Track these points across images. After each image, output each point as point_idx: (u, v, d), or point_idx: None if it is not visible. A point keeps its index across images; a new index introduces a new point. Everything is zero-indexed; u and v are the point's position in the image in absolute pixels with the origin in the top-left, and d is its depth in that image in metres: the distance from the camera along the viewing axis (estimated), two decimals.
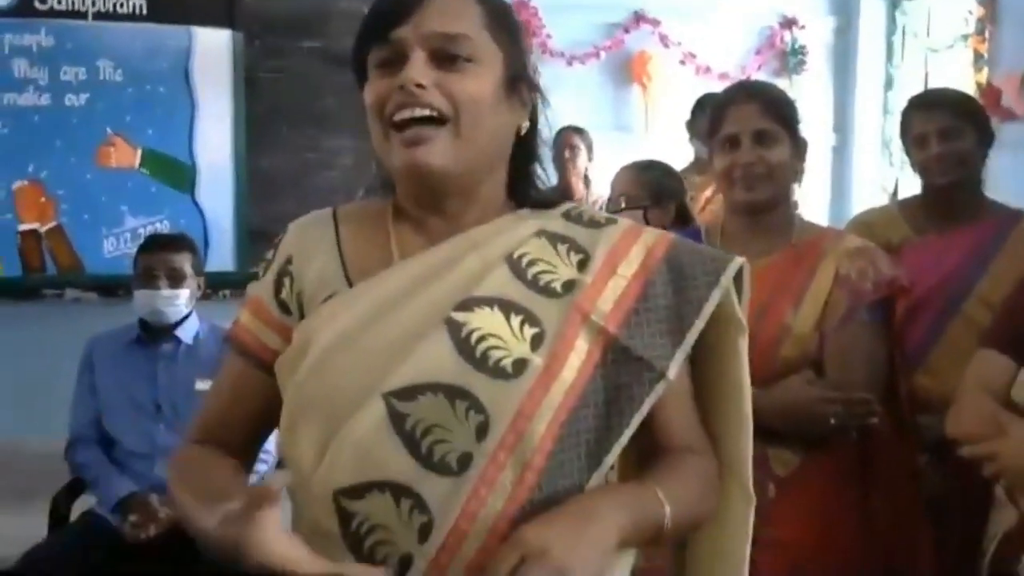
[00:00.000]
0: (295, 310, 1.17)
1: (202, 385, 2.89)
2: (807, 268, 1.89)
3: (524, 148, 1.19)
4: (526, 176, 1.21)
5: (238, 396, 1.21)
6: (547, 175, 1.24)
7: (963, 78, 4.68)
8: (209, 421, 1.23)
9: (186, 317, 2.95)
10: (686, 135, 4.01)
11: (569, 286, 1.11)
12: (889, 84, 5.29)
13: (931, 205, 2.41)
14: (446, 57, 1.08)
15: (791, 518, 1.80)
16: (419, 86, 1.06)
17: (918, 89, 5.08)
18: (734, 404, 1.21)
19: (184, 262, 2.95)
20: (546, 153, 1.24)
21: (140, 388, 2.90)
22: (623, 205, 2.63)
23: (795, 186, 2.00)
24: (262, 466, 2.76)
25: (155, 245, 3.01)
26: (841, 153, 5.37)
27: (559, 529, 0.98)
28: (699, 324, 1.13)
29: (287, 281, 1.18)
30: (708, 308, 1.14)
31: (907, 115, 2.44)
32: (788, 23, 5.34)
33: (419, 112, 1.06)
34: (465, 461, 1.03)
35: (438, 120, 1.07)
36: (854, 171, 5.37)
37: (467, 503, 1.02)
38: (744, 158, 1.89)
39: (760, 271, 1.85)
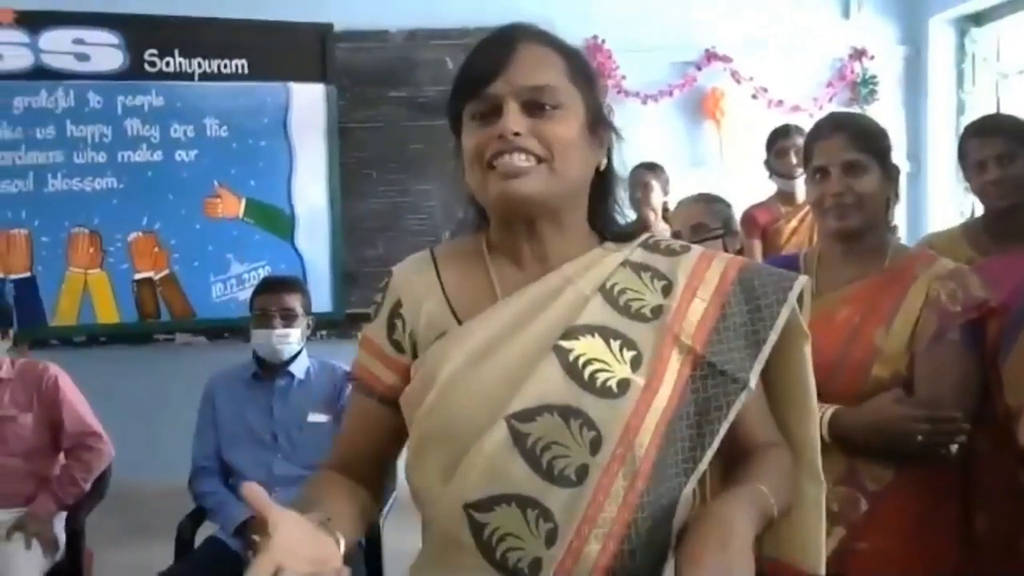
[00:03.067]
0: (408, 348, 1.28)
1: (314, 417, 3.10)
2: (899, 290, 1.94)
3: (603, 183, 1.31)
4: (605, 209, 1.32)
5: (361, 428, 1.33)
6: (622, 209, 1.34)
7: None
8: (339, 450, 1.35)
9: (298, 354, 3.16)
10: (762, 168, 4.11)
11: (657, 311, 1.22)
12: (961, 110, 5.29)
13: (991, 227, 2.47)
14: (536, 106, 1.20)
15: (885, 532, 1.86)
16: (516, 134, 1.18)
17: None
18: (802, 400, 1.33)
19: (295, 302, 3.15)
20: (622, 189, 1.36)
21: (257, 421, 3.10)
22: (699, 235, 2.75)
23: (890, 212, 2.06)
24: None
25: (269, 287, 3.22)
26: (916, 180, 5.36)
27: (710, 553, 1.05)
28: (773, 337, 1.24)
29: (399, 323, 1.28)
30: (780, 323, 1.25)
31: (964, 142, 2.52)
32: (858, 54, 5.38)
33: (517, 157, 1.18)
34: (582, 473, 1.14)
35: (535, 158, 1.19)
36: (929, 197, 5.38)
37: (587, 510, 1.13)
38: (834, 188, 1.95)
39: (853, 294, 1.96)
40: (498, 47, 1.23)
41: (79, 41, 4.46)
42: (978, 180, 2.45)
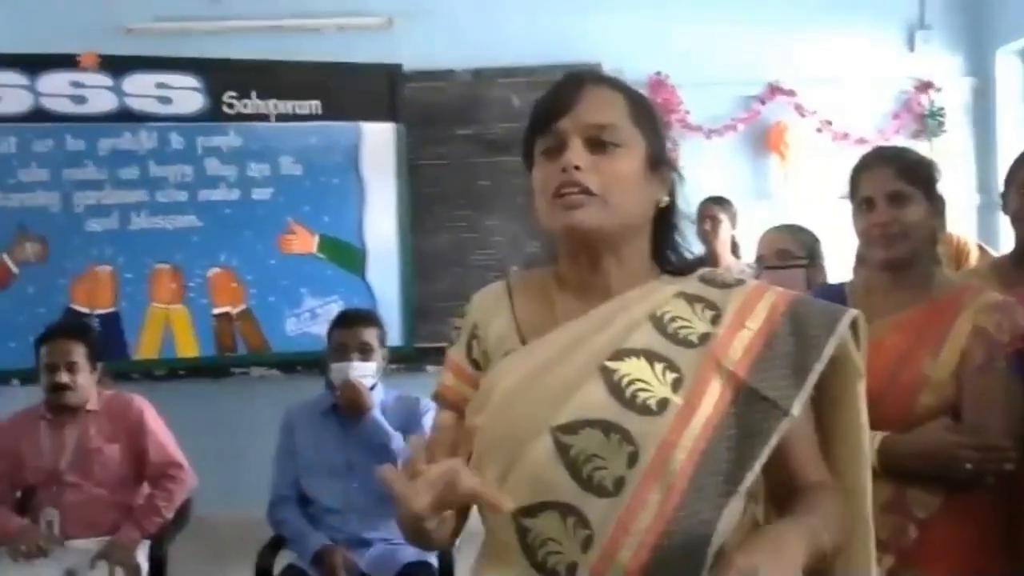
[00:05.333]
0: (483, 365, 1.38)
1: (395, 445, 3.16)
2: (946, 320, 1.97)
3: (665, 219, 1.38)
4: (667, 244, 1.39)
5: (441, 439, 1.40)
6: (688, 243, 1.41)
7: None
8: (427, 459, 1.47)
9: (373, 387, 3.24)
10: (825, 200, 4.11)
11: (704, 338, 1.28)
12: None
13: (1020, 260, 2.41)
14: (598, 143, 1.29)
15: (934, 559, 1.88)
16: (577, 168, 1.27)
17: None
18: (855, 443, 1.36)
19: (372, 336, 3.24)
20: (688, 224, 1.43)
21: (335, 452, 3.19)
22: (783, 261, 2.78)
23: (939, 243, 2.09)
24: None
25: (347, 321, 3.31)
26: (987, 211, 5.30)
27: (761, 554, 1.12)
28: (818, 367, 1.27)
29: (475, 343, 1.40)
30: (826, 353, 1.28)
31: (1016, 166, 2.45)
32: (924, 86, 5.36)
33: (577, 192, 1.27)
34: (619, 484, 1.21)
35: (592, 193, 1.27)
36: (1001, 229, 5.32)
37: (622, 519, 1.20)
38: (879, 218, 1.99)
39: (901, 323, 1.99)
40: (568, 88, 1.33)
41: (161, 85, 4.63)
42: (1016, 206, 2.38)
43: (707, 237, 4.49)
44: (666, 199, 1.37)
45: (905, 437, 1.90)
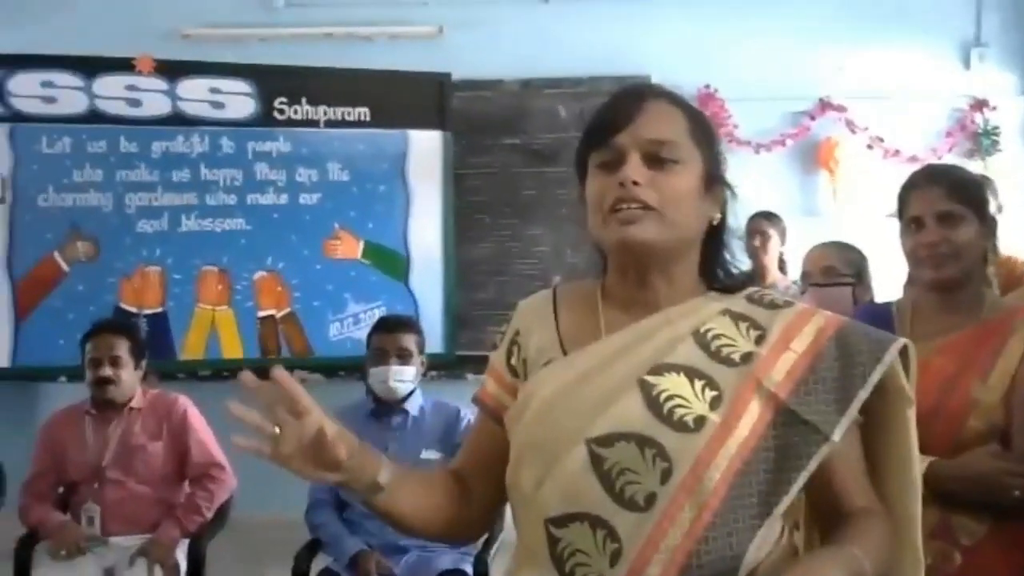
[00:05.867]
0: (522, 373, 1.38)
1: (427, 454, 3.18)
2: (996, 343, 1.93)
3: (715, 236, 1.36)
4: (716, 261, 1.37)
5: (477, 443, 1.44)
6: (736, 260, 1.39)
7: None
8: (456, 460, 1.47)
9: (412, 392, 3.26)
10: (875, 218, 4.05)
11: (747, 358, 1.27)
12: None
13: None
14: (656, 159, 1.28)
15: None
16: (635, 183, 1.26)
17: None
18: (905, 471, 1.34)
19: (411, 342, 3.26)
20: (736, 239, 1.39)
21: None
22: (829, 278, 2.75)
23: (989, 264, 2.05)
24: None
25: (386, 327, 3.35)
26: None
27: None
28: (863, 394, 1.25)
29: (515, 350, 1.40)
30: (872, 380, 1.26)
31: None
32: (979, 104, 5.26)
33: (635, 207, 1.26)
34: (651, 499, 1.20)
35: (649, 208, 1.26)
36: None
37: (652, 535, 1.19)
38: (928, 238, 1.95)
39: (949, 345, 1.95)
40: (627, 101, 1.32)
41: (214, 90, 4.71)
42: None
43: (756, 252, 4.44)
44: (718, 216, 1.36)
45: (952, 462, 1.87)
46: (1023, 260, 4.06)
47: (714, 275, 1.37)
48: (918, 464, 1.34)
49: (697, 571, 1.19)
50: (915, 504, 1.33)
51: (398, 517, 1.32)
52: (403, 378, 3.21)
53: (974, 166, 4.74)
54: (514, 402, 1.36)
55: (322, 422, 1.18)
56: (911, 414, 1.33)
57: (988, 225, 2.00)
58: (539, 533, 1.26)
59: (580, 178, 1.36)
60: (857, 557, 1.18)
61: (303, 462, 1.19)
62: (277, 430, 1.16)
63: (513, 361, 1.40)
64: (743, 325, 1.31)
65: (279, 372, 1.17)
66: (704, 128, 1.35)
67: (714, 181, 1.34)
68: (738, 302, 1.35)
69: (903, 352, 1.31)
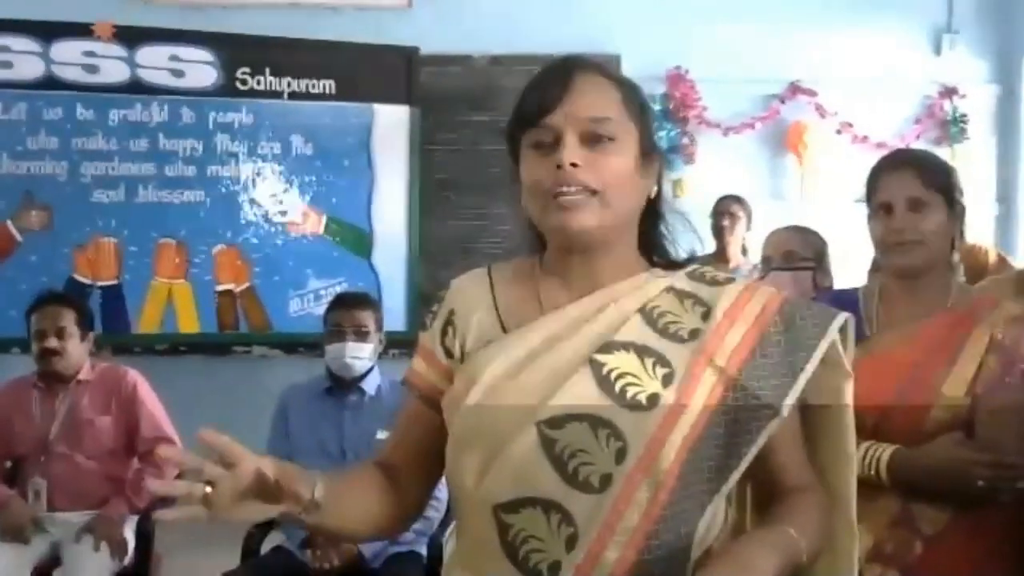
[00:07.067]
0: (457, 355, 1.32)
1: (383, 435, 3.12)
2: (962, 332, 1.91)
3: (653, 211, 1.34)
4: (655, 236, 1.35)
5: (410, 428, 1.38)
6: (672, 235, 1.37)
7: None
8: (387, 449, 1.41)
9: (370, 370, 3.20)
10: (842, 203, 4.05)
11: (694, 334, 1.25)
12: None
13: None
14: (593, 138, 1.23)
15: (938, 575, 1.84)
16: (574, 165, 1.22)
17: None
18: (841, 444, 1.33)
19: (368, 319, 3.21)
20: (674, 213, 1.38)
21: (328, 435, 3.15)
22: (790, 262, 2.73)
23: (956, 251, 2.02)
24: (433, 512, 2.97)
25: (343, 303, 3.29)
26: (1006, 223, 5.21)
27: (728, 571, 1.10)
28: (809, 368, 1.25)
29: (451, 330, 1.34)
30: (818, 355, 1.26)
31: None
32: (948, 92, 5.27)
33: (575, 190, 1.22)
34: (606, 481, 1.18)
35: (590, 191, 1.22)
36: (1019, 240, 5.24)
37: (608, 517, 1.17)
38: (897, 224, 1.93)
39: (915, 333, 1.93)
40: (558, 77, 1.26)
41: (175, 58, 4.61)
42: None
43: (722, 234, 4.44)
44: (655, 190, 1.34)
45: (916, 451, 1.85)
46: (987, 249, 4.06)
47: (655, 250, 1.36)
48: (854, 438, 1.34)
49: (654, 552, 1.18)
50: (850, 477, 1.33)
51: (334, 530, 1.27)
52: (360, 355, 3.15)
53: (941, 154, 4.73)
54: (449, 385, 1.32)
55: (258, 464, 1.12)
56: (848, 388, 1.32)
57: (956, 212, 1.98)
58: (487, 521, 1.22)
59: (512, 156, 1.32)
60: (792, 537, 1.18)
61: (244, 509, 1.12)
62: (208, 489, 1.09)
63: (448, 341, 1.35)
64: (688, 302, 1.30)
65: (205, 433, 1.10)
66: (637, 100, 1.31)
67: (649, 155, 1.31)
68: (681, 279, 1.33)
69: (843, 327, 1.31)
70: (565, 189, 1.22)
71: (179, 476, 3.32)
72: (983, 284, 2.65)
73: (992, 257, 4.01)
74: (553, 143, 1.24)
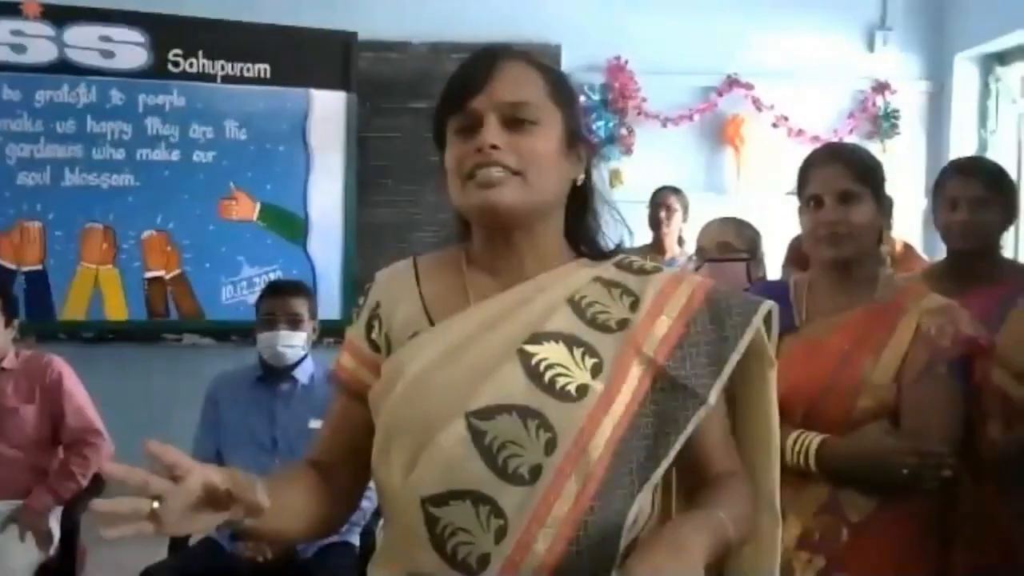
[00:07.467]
0: (384, 348, 1.31)
1: (315, 424, 3.07)
2: (889, 322, 1.94)
3: (580, 199, 1.34)
4: (583, 225, 1.35)
5: (339, 424, 1.36)
6: (600, 224, 1.36)
7: None
8: (317, 446, 1.39)
9: (303, 359, 3.16)
10: (778, 196, 4.09)
11: (623, 323, 1.25)
12: (983, 148, 5.23)
13: (952, 270, 2.41)
14: (515, 121, 1.24)
15: (865, 562, 1.86)
16: (494, 147, 1.22)
17: (1013, 154, 5.13)
18: (765, 432, 1.35)
19: (301, 307, 3.16)
20: (605, 205, 1.39)
21: (259, 424, 3.10)
22: (724, 253, 2.75)
23: (884, 244, 2.06)
24: (366, 503, 2.93)
25: (276, 291, 3.23)
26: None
27: (661, 557, 1.09)
28: (735, 357, 1.27)
29: (376, 323, 1.33)
30: (744, 343, 1.27)
31: (944, 177, 2.47)
32: (881, 87, 5.36)
33: (495, 171, 1.21)
34: (536, 472, 1.18)
35: (510, 171, 1.22)
36: None
37: (538, 509, 1.17)
38: (828, 217, 1.95)
39: (843, 324, 1.96)
40: (482, 64, 1.27)
41: (105, 38, 4.51)
42: (946, 218, 2.39)
43: (659, 225, 4.46)
44: (582, 177, 1.34)
45: (843, 440, 1.88)
46: (895, 238, 4.13)
47: (582, 240, 1.35)
48: (777, 424, 1.35)
49: (584, 543, 1.18)
50: (774, 463, 1.35)
51: (271, 535, 1.23)
52: (292, 344, 3.11)
53: (873, 148, 4.82)
54: (376, 379, 1.30)
55: (205, 475, 1.07)
56: (772, 375, 1.34)
57: (883, 205, 2.01)
58: (415, 514, 1.21)
59: (439, 145, 1.31)
60: (723, 521, 1.18)
61: (193, 521, 1.07)
62: (156, 504, 1.04)
63: (374, 335, 1.33)
64: (615, 291, 1.30)
65: (152, 445, 1.05)
66: (563, 87, 1.32)
67: (575, 141, 1.31)
68: (608, 268, 1.33)
69: (767, 316, 1.33)
70: (484, 170, 1.22)
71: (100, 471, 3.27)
72: (909, 274, 2.71)
73: (899, 247, 4.09)
74: (476, 127, 1.24)
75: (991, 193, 2.37)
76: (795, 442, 1.87)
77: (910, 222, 4.91)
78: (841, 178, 1.96)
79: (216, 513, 1.08)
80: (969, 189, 2.37)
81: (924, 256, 3.84)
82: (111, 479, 1.03)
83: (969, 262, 2.39)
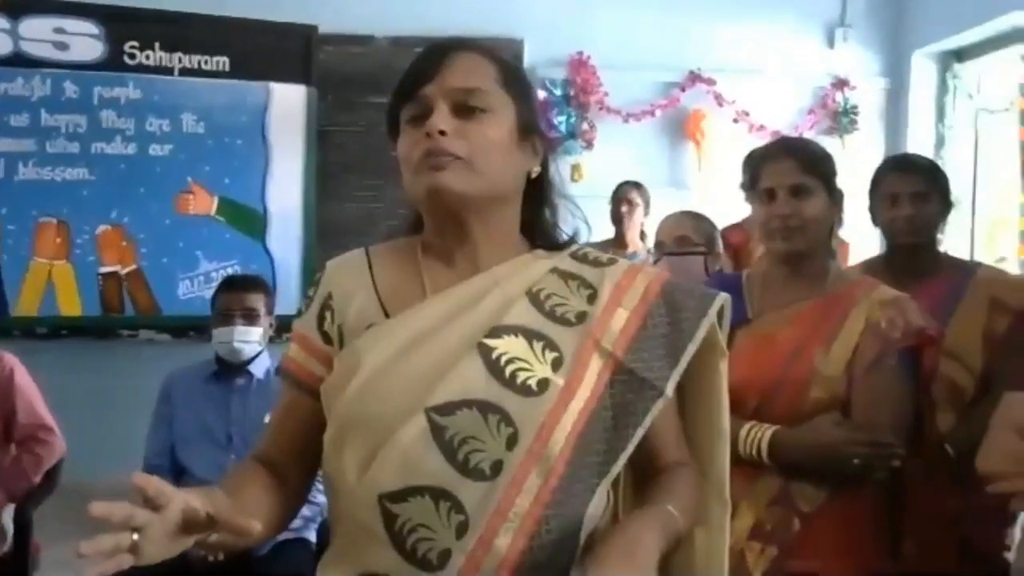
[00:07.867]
0: (336, 341, 1.29)
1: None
2: (840, 314, 1.96)
3: (536, 191, 1.34)
4: (538, 217, 1.36)
5: (289, 419, 1.33)
6: (556, 217, 1.37)
7: (1014, 139, 4.74)
8: (266, 441, 1.36)
9: (259, 354, 3.12)
10: (738, 190, 4.10)
11: (581, 316, 1.26)
12: (940, 144, 5.29)
13: (893, 264, 2.43)
14: (465, 108, 1.24)
15: (817, 553, 1.88)
16: (442, 132, 1.21)
17: (969, 150, 5.19)
18: (716, 422, 1.36)
19: (258, 302, 3.12)
20: (562, 199, 1.38)
21: (214, 420, 3.06)
22: (682, 248, 2.75)
23: (834, 236, 2.09)
24: (322, 497, 2.91)
25: (232, 286, 3.19)
26: None
27: (616, 556, 1.10)
28: (692, 349, 1.28)
29: (328, 315, 1.30)
30: (699, 335, 1.28)
31: (881, 175, 2.50)
32: (840, 84, 5.40)
33: (443, 157, 1.21)
34: (497, 467, 1.17)
35: (458, 158, 1.22)
36: None
37: (499, 504, 1.16)
38: (780, 210, 1.98)
39: (795, 316, 1.98)
40: (435, 54, 1.28)
41: (59, 30, 4.44)
42: (888, 214, 2.42)
43: (621, 220, 4.47)
44: (537, 169, 1.33)
45: (795, 431, 1.89)
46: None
47: (537, 232, 1.35)
48: (728, 415, 1.36)
49: (545, 537, 1.18)
50: (724, 451, 1.36)
51: (232, 544, 1.17)
52: (248, 339, 3.07)
53: (832, 144, 4.86)
54: (328, 372, 1.28)
55: (186, 501, 1.05)
56: (724, 366, 1.35)
57: (835, 199, 2.04)
58: (372, 510, 1.19)
59: (392, 136, 1.31)
60: (673, 515, 1.20)
61: (170, 548, 1.05)
62: (135, 536, 1.02)
63: (326, 326, 1.31)
64: (573, 283, 1.30)
65: (137, 477, 1.03)
66: (516, 78, 1.32)
67: (530, 132, 1.31)
68: (564, 259, 1.34)
69: (721, 308, 1.34)
70: (433, 157, 1.21)
71: (53, 468, 3.20)
72: (859, 267, 2.73)
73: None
74: (427, 115, 1.24)
75: (929, 187, 2.41)
76: (747, 434, 1.89)
77: (868, 219, 4.94)
78: (792, 172, 1.98)
79: (191, 536, 1.06)
80: (909, 184, 2.40)
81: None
82: (95, 519, 1.00)
83: (912, 256, 2.42)
